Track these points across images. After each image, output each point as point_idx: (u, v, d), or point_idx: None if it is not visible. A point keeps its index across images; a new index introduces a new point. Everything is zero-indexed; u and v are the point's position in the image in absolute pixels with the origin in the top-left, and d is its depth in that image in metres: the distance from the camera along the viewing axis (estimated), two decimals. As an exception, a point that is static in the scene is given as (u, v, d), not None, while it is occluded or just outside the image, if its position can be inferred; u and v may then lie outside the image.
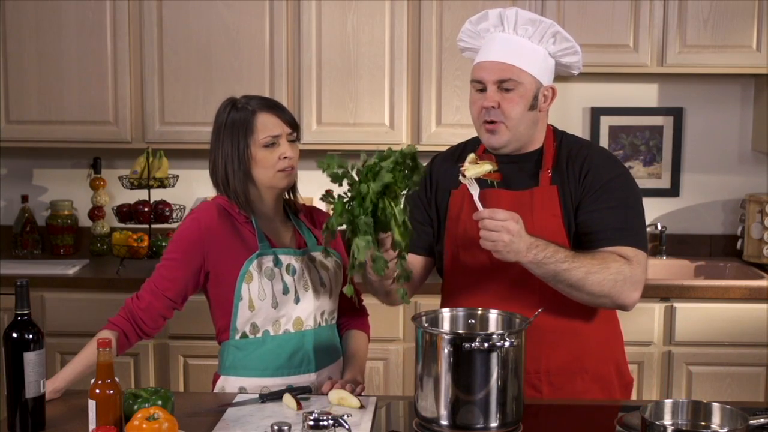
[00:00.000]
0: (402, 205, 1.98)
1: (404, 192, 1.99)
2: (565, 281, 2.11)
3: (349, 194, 1.99)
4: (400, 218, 1.96)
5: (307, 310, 2.31)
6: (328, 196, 2.06)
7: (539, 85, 2.23)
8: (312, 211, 2.49)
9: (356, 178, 1.98)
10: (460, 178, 2.12)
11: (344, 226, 1.98)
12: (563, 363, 2.25)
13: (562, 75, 2.36)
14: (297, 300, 2.30)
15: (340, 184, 1.99)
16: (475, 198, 2.11)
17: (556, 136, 2.32)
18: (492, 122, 2.22)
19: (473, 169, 2.12)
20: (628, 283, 2.15)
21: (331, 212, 2.03)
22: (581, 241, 2.22)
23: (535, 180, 2.26)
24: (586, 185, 2.23)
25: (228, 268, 2.27)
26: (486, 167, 2.13)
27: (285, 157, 2.27)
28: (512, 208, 2.20)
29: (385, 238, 2.00)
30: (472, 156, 2.18)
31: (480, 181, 2.15)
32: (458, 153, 2.38)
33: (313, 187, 4.03)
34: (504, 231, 2.03)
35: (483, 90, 2.23)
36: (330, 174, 1.99)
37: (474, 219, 2.07)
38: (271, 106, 2.31)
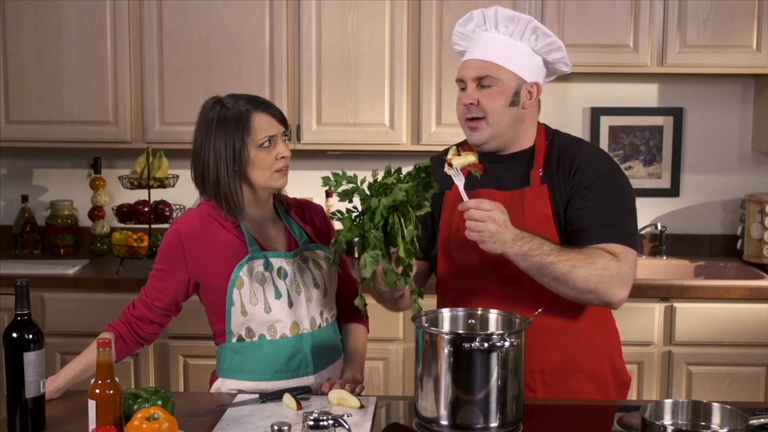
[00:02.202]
0: (414, 223, 1.99)
1: (418, 213, 2.00)
2: (550, 274, 2.10)
3: (360, 208, 2.00)
4: (408, 236, 1.97)
5: (303, 314, 2.29)
6: (337, 212, 2.06)
7: (521, 81, 2.23)
8: (303, 205, 2.45)
9: (368, 192, 1.99)
10: (446, 168, 2.12)
11: (355, 239, 2.00)
12: (557, 363, 2.24)
13: (556, 75, 2.35)
14: (290, 304, 2.28)
15: (350, 201, 2.00)
16: (461, 188, 2.10)
17: (548, 134, 2.32)
18: (474, 119, 2.23)
19: (458, 159, 2.13)
20: (614, 280, 2.13)
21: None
22: (570, 238, 2.22)
23: (526, 180, 2.26)
24: (575, 182, 2.22)
25: (217, 276, 2.24)
26: (470, 158, 2.13)
27: (282, 157, 2.25)
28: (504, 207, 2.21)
29: (395, 252, 2.01)
30: (454, 148, 2.19)
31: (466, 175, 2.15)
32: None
33: (313, 187, 4.04)
34: (490, 221, 2.02)
35: (465, 89, 2.25)
36: (339, 192, 2.00)
37: (459, 210, 2.07)
38: (263, 104, 2.26)
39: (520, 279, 2.18)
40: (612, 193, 2.22)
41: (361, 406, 2.09)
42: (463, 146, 2.26)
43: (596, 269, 2.11)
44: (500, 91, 2.21)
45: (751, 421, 1.85)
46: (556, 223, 2.22)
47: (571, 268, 2.09)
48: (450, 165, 2.12)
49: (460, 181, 2.11)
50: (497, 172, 2.27)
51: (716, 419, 1.87)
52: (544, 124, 2.34)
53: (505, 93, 2.22)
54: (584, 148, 2.30)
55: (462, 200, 2.09)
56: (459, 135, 2.60)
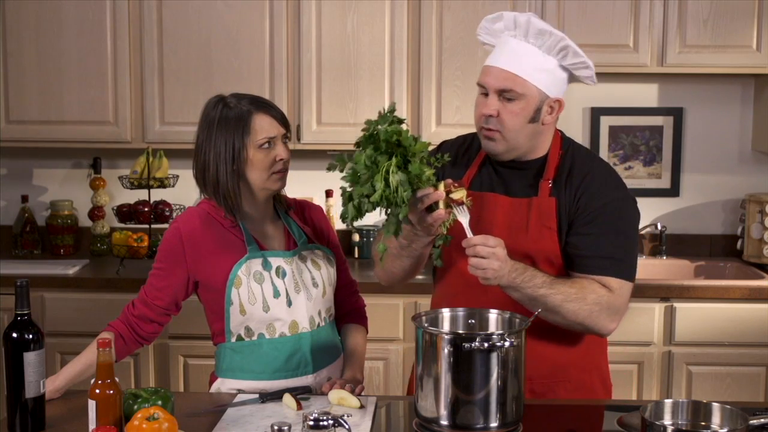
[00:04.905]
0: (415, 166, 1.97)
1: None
2: (541, 305, 2.09)
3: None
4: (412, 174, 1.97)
5: (302, 313, 2.29)
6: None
7: (544, 97, 2.17)
8: (303, 205, 2.45)
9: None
10: (454, 208, 2.04)
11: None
12: (546, 372, 2.23)
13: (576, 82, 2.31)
14: (289, 303, 2.28)
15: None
16: (466, 225, 2.05)
17: (563, 144, 2.28)
18: (490, 130, 2.18)
19: (458, 194, 2.05)
20: (604, 314, 2.14)
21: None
22: (568, 262, 2.20)
23: (535, 189, 2.23)
24: (580, 205, 2.18)
25: (216, 275, 2.25)
26: (464, 191, 2.06)
27: (280, 159, 2.25)
28: (509, 214, 2.20)
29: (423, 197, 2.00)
30: (443, 185, 2.05)
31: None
32: (467, 144, 2.35)
33: (313, 187, 4.04)
34: (494, 257, 2.01)
35: (487, 94, 2.19)
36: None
37: (463, 246, 2.03)
38: (265, 105, 2.27)
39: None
40: (617, 222, 2.18)
41: (361, 406, 2.09)
42: (454, 182, 2.17)
43: (586, 304, 2.12)
44: (522, 107, 2.15)
45: (751, 421, 1.85)
46: (559, 238, 2.20)
47: (562, 301, 2.10)
48: (460, 203, 2.04)
49: (464, 219, 2.05)
50: (506, 177, 2.25)
51: (716, 419, 1.87)
52: (559, 131, 2.30)
53: (527, 109, 2.16)
54: (596, 168, 2.25)
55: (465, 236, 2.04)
56: (458, 134, 2.59)
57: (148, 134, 3.81)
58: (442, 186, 2.03)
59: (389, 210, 2.01)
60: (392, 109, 2.03)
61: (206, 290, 2.29)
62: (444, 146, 2.39)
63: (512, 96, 2.15)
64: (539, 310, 2.02)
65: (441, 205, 2.02)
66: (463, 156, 2.33)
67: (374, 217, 4.11)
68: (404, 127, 2.01)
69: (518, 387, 1.94)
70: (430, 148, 2.08)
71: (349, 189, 2.02)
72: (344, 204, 2.02)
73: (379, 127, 1.99)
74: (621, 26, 3.72)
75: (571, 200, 2.20)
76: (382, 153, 1.98)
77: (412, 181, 1.97)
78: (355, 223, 2.02)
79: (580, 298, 2.11)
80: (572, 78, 2.26)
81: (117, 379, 1.91)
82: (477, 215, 2.12)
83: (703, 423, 1.88)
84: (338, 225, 4.08)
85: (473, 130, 2.30)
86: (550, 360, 2.23)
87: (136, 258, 3.77)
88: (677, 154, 4.09)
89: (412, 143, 1.99)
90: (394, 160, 1.97)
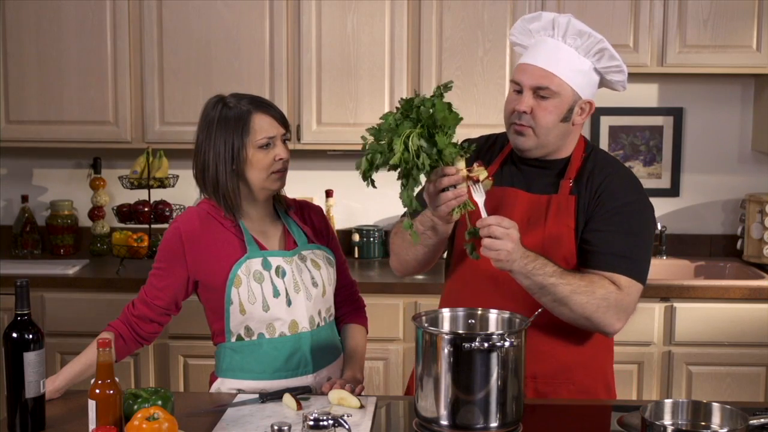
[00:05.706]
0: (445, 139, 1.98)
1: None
2: (549, 295, 2.09)
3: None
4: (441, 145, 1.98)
5: (301, 313, 2.30)
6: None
7: (577, 97, 2.20)
8: (303, 206, 2.45)
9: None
10: (471, 184, 2.05)
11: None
12: (551, 371, 2.23)
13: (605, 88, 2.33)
14: (289, 303, 2.28)
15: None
16: (481, 205, 2.06)
17: (587, 148, 2.30)
18: (521, 125, 2.20)
19: (481, 173, 2.06)
20: (611, 311, 2.13)
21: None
22: (581, 256, 2.21)
23: (555, 187, 2.24)
24: (599, 203, 2.20)
25: (216, 274, 2.25)
26: (484, 171, 2.08)
27: (280, 159, 2.25)
28: (528, 210, 2.21)
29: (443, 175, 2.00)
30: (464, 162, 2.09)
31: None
32: (490, 143, 2.37)
33: (313, 187, 4.05)
34: (508, 239, 2.01)
35: (520, 92, 2.20)
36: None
37: (478, 225, 2.04)
38: (265, 105, 2.27)
39: (527, 295, 2.16)
40: (633, 223, 2.19)
41: (361, 406, 2.09)
42: (477, 162, 2.19)
43: (595, 298, 2.11)
44: (556, 105, 2.18)
45: (751, 421, 1.85)
46: (576, 235, 2.20)
47: (570, 292, 2.10)
48: (477, 180, 2.04)
49: (480, 198, 2.06)
50: (528, 174, 2.26)
51: (716, 419, 1.87)
52: (583, 136, 2.32)
53: (560, 108, 2.18)
54: (617, 170, 2.27)
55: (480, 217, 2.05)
56: (458, 136, 2.59)
57: (148, 134, 3.81)
58: (461, 163, 2.03)
59: (408, 177, 2.00)
60: (447, 86, 2.03)
61: (206, 290, 2.29)
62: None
63: (547, 94, 2.17)
64: (540, 310, 2.02)
65: (463, 185, 2.02)
66: (486, 153, 2.34)
67: (374, 218, 4.13)
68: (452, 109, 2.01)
69: (518, 387, 1.94)
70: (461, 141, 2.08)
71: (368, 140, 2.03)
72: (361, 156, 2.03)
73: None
74: (621, 26, 3.72)
75: (591, 198, 2.21)
76: (409, 119, 1.99)
77: (432, 155, 1.97)
78: (369, 187, 2.03)
79: (589, 291, 2.11)
80: (601, 84, 2.28)
81: (117, 379, 1.91)
82: (495, 209, 2.13)
83: (703, 423, 1.88)
84: (338, 225, 4.08)
85: (474, 129, 2.30)
86: (556, 359, 2.23)
87: (136, 258, 3.77)
88: (677, 154, 4.09)
89: (446, 114, 1.98)
90: (418, 129, 1.97)
